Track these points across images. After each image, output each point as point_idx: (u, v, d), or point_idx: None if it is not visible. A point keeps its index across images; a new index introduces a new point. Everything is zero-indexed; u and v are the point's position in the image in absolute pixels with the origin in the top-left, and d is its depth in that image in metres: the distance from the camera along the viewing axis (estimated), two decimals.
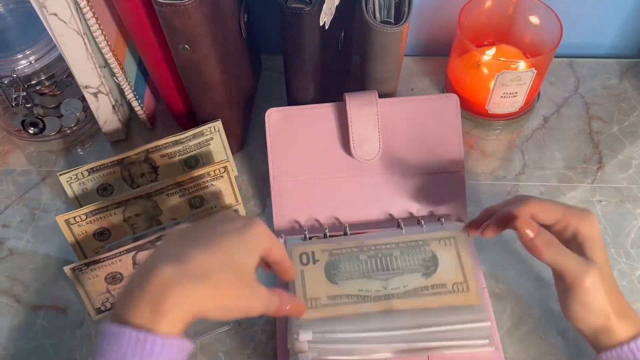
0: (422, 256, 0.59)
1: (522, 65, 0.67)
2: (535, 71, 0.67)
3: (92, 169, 0.63)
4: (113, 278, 0.60)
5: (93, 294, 0.60)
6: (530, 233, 0.50)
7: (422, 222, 0.62)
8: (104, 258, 0.58)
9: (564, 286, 0.51)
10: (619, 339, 0.50)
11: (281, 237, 0.63)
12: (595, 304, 0.50)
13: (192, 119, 0.70)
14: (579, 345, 0.59)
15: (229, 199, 0.65)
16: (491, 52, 0.74)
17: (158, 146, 0.65)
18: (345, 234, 0.62)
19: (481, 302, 0.56)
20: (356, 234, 0.63)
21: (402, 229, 0.62)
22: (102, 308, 0.61)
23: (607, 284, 0.50)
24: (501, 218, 0.53)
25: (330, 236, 0.63)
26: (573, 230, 0.51)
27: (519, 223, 0.50)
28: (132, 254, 0.59)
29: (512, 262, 0.64)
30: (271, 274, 0.64)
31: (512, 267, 0.64)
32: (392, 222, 0.66)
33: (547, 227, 0.52)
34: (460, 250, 0.60)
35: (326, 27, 0.61)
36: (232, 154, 0.70)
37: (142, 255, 0.59)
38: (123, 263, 0.59)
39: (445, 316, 0.56)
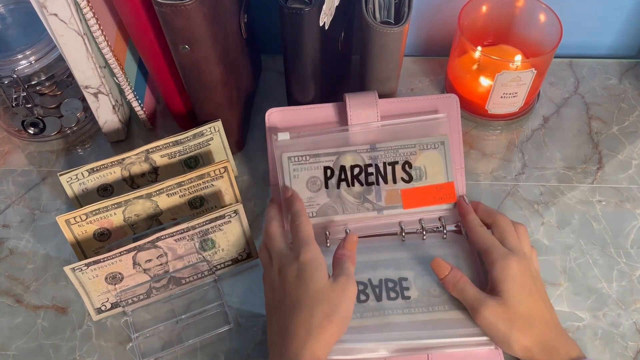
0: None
1: (522, 65, 0.67)
2: (535, 71, 0.67)
3: (92, 169, 0.63)
4: (113, 278, 0.60)
5: (93, 294, 0.60)
6: (442, 272, 0.57)
7: (424, 233, 0.62)
8: (104, 258, 0.58)
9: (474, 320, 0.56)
10: None
11: None
12: (497, 335, 0.54)
13: (192, 119, 0.70)
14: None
15: (229, 199, 0.65)
16: (491, 52, 0.74)
17: (158, 146, 0.65)
18: (346, 234, 0.62)
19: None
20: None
21: (403, 236, 0.62)
22: (102, 308, 0.61)
23: (516, 322, 0.53)
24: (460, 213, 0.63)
25: (331, 240, 0.63)
26: (487, 267, 0.57)
27: (434, 263, 0.58)
28: (132, 253, 0.59)
29: None
30: None
31: None
32: (392, 226, 0.66)
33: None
34: (460, 264, 0.61)
35: (326, 27, 0.61)
36: (232, 154, 0.70)
37: (142, 255, 0.59)
38: (123, 263, 0.59)
39: (442, 329, 0.57)
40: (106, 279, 0.60)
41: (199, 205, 0.65)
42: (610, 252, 0.65)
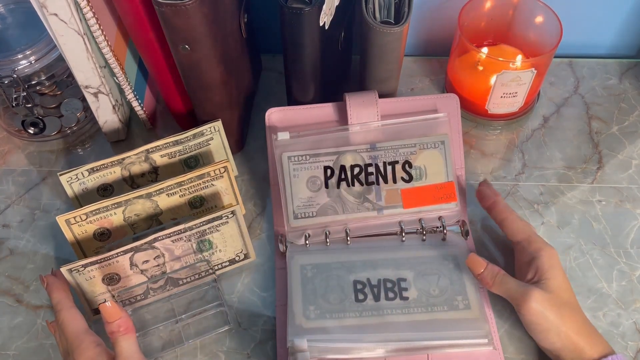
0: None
1: (522, 65, 0.67)
2: (535, 71, 0.67)
3: (92, 169, 0.63)
4: (110, 279, 0.60)
5: (90, 295, 0.60)
6: (479, 268, 0.57)
7: (424, 233, 0.62)
8: (101, 259, 0.58)
9: (517, 312, 0.56)
10: (587, 357, 0.53)
11: (281, 242, 0.63)
12: (546, 324, 0.54)
13: (192, 119, 0.71)
14: None
15: (229, 199, 0.65)
16: (491, 52, 0.74)
17: (158, 146, 0.65)
18: (346, 234, 0.62)
19: (480, 316, 0.57)
20: (357, 237, 0.63)
21: (403, 236, 0.62)
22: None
23: (563, 309, 0.54)
24: (484, 200, 0.63)
25: (331, 240, 0.63)
26: (532, 255, 0.57)
27: (469, 260, 0.58)
28: (129, 255, 0.59)
29: (512, 261, 0.64)
30: (271, 277, 0.64)
31: (512, 266, 0.64)
32: (392, 225, 0.66)
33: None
34: (460, 265, 0.61)
35: (326, 27, 0.61)
36: (232, 153, 0.70)
37: (139, 256, 0.59)
38: (120, 264, 0.59)
39: (441, 330, 0.57)
40: (103, 280, 0.59)
41: (199, 205, 0.65)
42: (610, 252, 0.65)
